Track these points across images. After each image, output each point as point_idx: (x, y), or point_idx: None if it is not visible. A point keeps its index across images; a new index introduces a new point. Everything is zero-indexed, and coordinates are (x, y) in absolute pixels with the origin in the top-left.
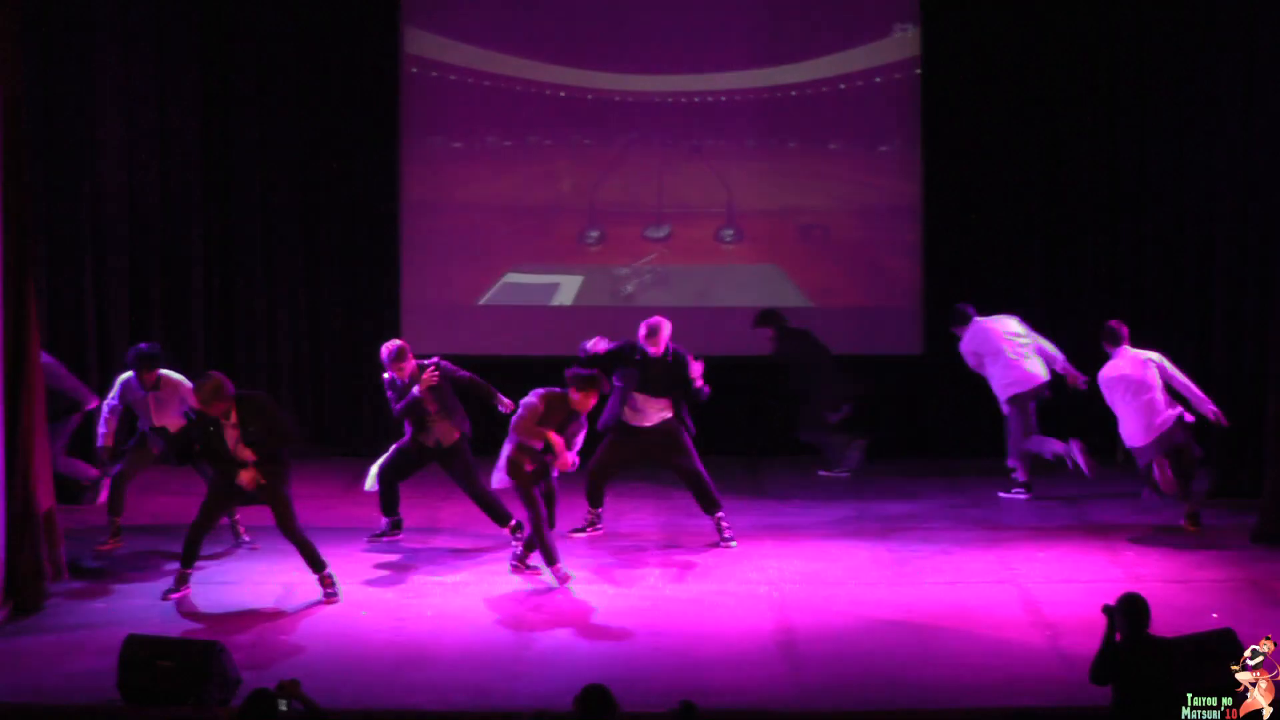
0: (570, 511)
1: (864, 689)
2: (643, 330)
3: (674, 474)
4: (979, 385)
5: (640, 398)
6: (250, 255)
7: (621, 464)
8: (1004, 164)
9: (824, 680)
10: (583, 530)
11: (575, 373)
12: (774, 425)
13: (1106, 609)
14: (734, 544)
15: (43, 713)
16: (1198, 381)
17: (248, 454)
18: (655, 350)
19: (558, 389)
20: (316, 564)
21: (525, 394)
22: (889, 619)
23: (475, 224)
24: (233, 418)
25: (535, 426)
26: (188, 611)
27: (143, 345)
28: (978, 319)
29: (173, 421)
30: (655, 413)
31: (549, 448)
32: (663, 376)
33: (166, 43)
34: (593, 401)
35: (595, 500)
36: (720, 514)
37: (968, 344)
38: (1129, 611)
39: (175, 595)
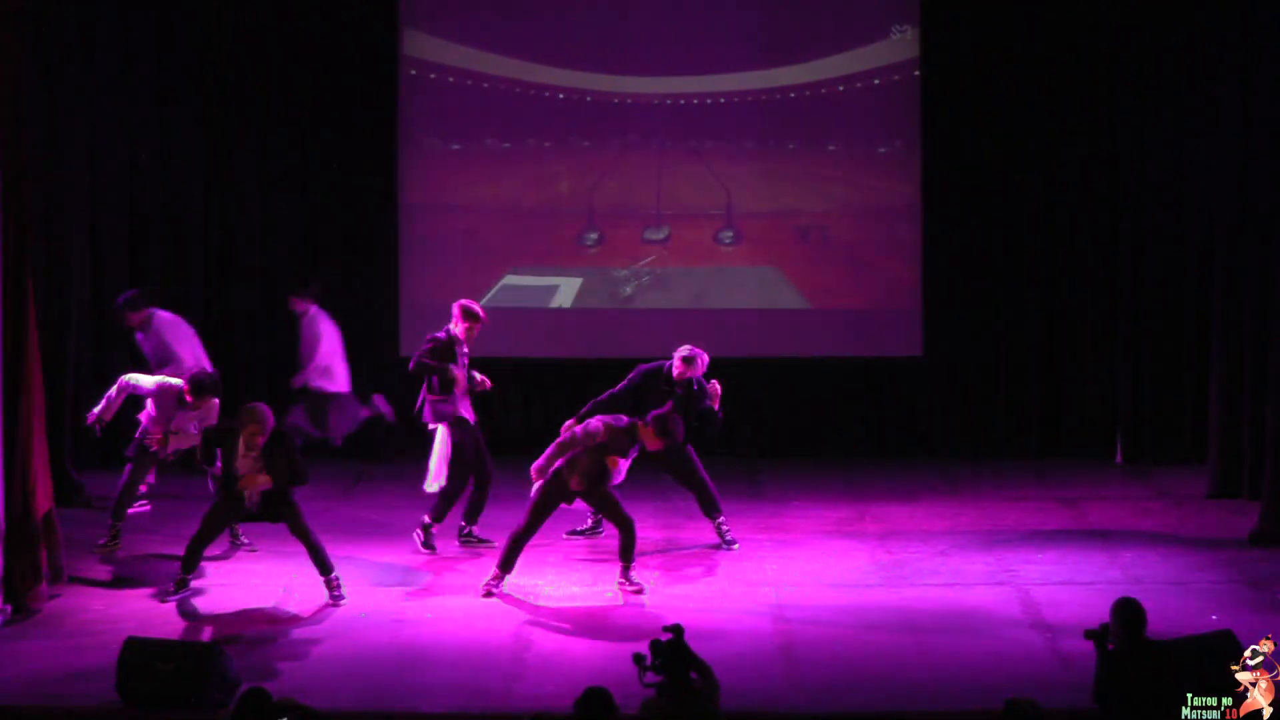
0: (567, 514)
1: (862, 690)
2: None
3: (676, 480)
4: (979, 387)
5: None
6: (249, 257)
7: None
8: (1003, 165)
9: (823, 681)
10: (581, 533)
11: (655, 415)
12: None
13: (1089, 634)
14: (736, 546)
15: (42, 715)
16: (1199, 383)
17: (265, 481)
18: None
19: (624, 420)
20: (325, 567)
21: (523, 397)
22: (888, 620)
23: (474, 226)
24: (257, 447)
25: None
26: (187, 614)
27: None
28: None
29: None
30: None
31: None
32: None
33: (166, 44)
34: (659, 446)
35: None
36: (721, 518)
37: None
38: (1125, 615)
39: (173, 598)
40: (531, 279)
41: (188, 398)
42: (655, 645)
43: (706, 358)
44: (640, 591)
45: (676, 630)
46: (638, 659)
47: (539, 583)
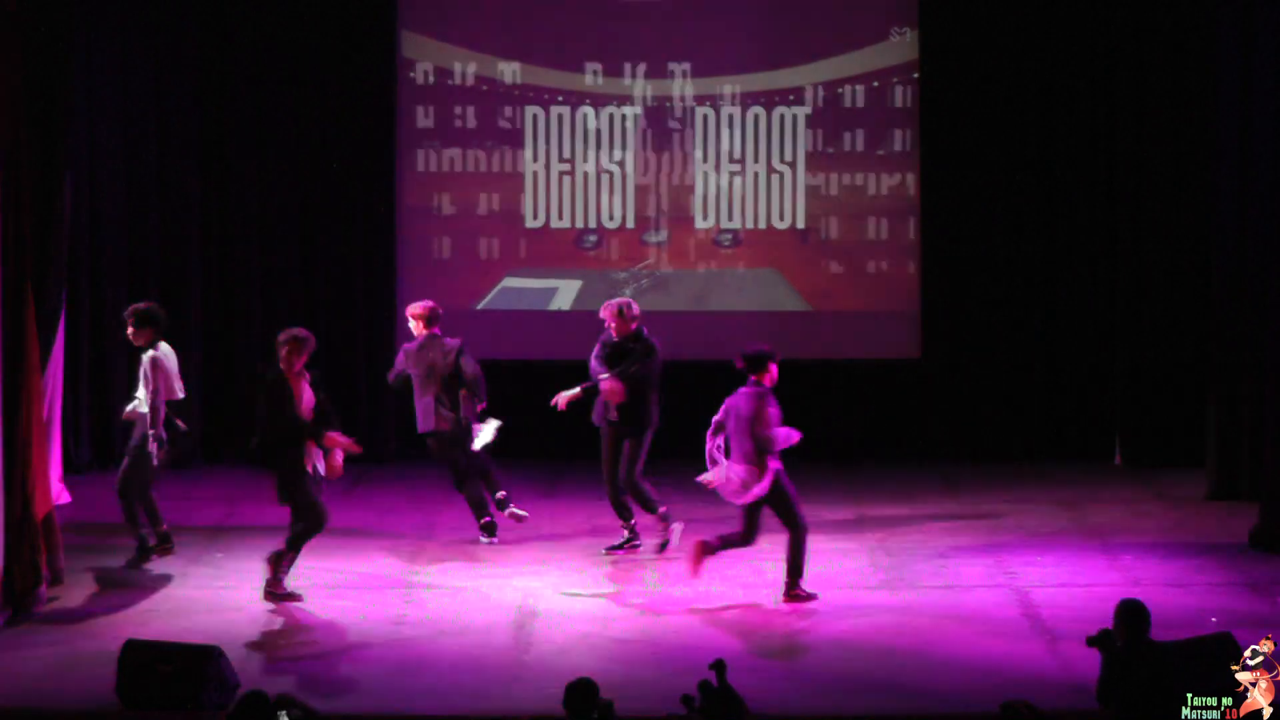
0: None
1: (861, 692)
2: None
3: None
4: (977, 389)
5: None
6: (248, 259)
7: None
8: (1002, 168)
9: (822, 683)
10: (618, 548)
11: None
12: None
13: (1091, 641)
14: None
15: (42, 716)
16: (1199, 383)
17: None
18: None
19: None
20: (292, 542)
21: (524, 398)
22: (887, 623)
23: (473, 228)
24: (298, 370)
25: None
26: (186, 615)
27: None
28: None
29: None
30: None
31: None
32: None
33: (166, 45)
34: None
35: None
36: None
37: None
38: (1129, 617)
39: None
40: (531, 281)
41: (129, 331)
42: (705, 687)
43: (631, 304)
44: (813, 598)
45: (719, 668)
46: (686, 700)
47: (540, 584)
